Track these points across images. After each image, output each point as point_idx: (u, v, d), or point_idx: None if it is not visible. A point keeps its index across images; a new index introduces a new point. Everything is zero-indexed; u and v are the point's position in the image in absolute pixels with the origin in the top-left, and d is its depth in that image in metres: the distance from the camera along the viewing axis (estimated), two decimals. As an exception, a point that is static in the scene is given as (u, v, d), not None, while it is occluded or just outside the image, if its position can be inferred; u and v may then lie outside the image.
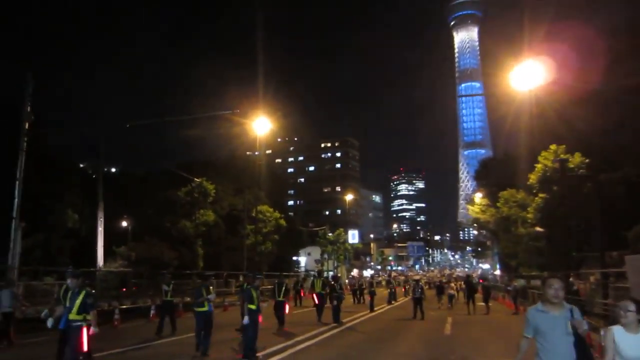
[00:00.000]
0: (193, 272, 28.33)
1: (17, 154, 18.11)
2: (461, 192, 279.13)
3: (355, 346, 12.91)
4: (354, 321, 19.30)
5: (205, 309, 11.08)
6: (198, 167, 43.32)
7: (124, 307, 20.83)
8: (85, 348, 7.79)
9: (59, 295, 8.30)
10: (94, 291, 9.28)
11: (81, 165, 40.03)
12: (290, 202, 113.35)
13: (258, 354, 10.53)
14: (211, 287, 11.75)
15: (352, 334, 15.66)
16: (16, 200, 17.11)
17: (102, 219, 27.01)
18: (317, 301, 18.52)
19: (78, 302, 7.75)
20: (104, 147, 29.46)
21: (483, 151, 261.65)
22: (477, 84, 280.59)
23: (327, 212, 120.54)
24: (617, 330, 4.01)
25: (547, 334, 3.99)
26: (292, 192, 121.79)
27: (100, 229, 26.94)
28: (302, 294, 32.00)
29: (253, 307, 10.68)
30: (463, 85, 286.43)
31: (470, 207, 47.62)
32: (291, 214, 72.42)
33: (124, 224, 37.16)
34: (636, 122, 22.89)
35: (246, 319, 10.29)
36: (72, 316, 7.73)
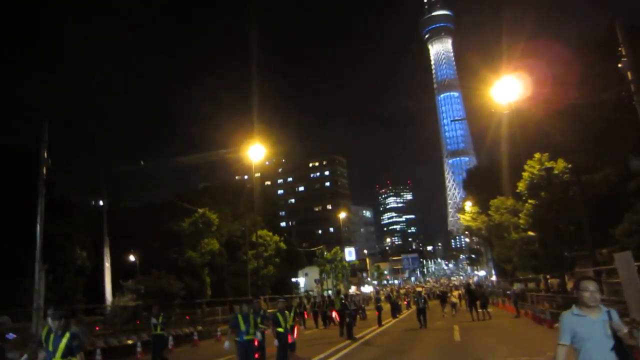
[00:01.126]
0: (202, 300, 28.97)
1: (28, 195, 18.92)
2: (449, 201, 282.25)
3: (377, 359, 13.81)
4: (366, 336, 20.18)
5: (250, 337, 10.57)
6: (195, 196, 44.12)
7: (144, 340, 21.39)
8: None
9: (41, 338, 7.55)
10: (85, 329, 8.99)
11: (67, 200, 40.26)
12: (283, 224, 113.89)
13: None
14: (252, 316, 10.88)
15: (369, 348, 16.55)
16: (38, 243, 17.86)
17: (108, 255, 27.69)
18: (338, 318, 19.36)
19: (62, 345, 7.22)
20: (104, 184, 30.29)
21: (467, 159, 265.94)
22: (456, 94, 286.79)
23: (320, 231, 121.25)
24: None
25: (585, 339, 3.76)
26: (283, 213, 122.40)
27: (107, 265, 27.58)
28: (305, 316, 32.35)
29: (281, 330, 11.51)
30: (442, 95, 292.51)
31: (461, 215, 48.96)
32: (285, 235, 73.07)
33: (131, 258, 37.65)
34: (606, 133, 24.62)
35: (276, 342, 11.06)
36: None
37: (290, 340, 12.00)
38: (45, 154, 18.65)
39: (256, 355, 11.21)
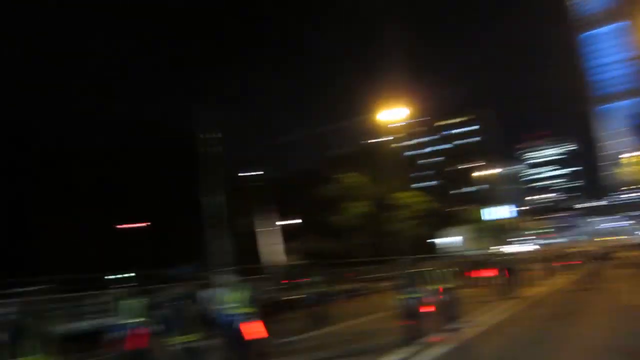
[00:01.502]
0: (355, 260, 30.76)
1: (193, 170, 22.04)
2: (607, 152, 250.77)
3: (546, 318, 13.48)
4: (527, 295, 19.48)
5: (413, 295, 11.04)
6: (339, 161, 46.02)
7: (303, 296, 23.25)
8: (264, 334, 8.69)
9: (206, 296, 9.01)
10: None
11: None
12: (424, 184, 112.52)
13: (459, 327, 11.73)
14: (412, 274, 11.41)
15: (535, 308, 16.26)
16: (222, 215, 20.75)
17: (269, 221, 30.76)
18: (508, 275, 19.33)
19: (237, 296, 8.50)
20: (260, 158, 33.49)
21: (629, 102, 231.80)
22: (611, 28, 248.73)
23: (463, 190, 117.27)
24: None
25: None
26: (424, 173, 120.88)
27: (265, 229, 30.66)
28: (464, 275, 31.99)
29: (434, 288, 12.00)
30: (591, 31, 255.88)
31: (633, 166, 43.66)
32: (427, 196, 72.46)
33: (290, 222, 41.09)
34: None
35: (430, 300, 11.51)
36: (234, 310, 8.46)
37: (440, 296, 12.38)
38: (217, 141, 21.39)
39: (420, 310, 11.53)
